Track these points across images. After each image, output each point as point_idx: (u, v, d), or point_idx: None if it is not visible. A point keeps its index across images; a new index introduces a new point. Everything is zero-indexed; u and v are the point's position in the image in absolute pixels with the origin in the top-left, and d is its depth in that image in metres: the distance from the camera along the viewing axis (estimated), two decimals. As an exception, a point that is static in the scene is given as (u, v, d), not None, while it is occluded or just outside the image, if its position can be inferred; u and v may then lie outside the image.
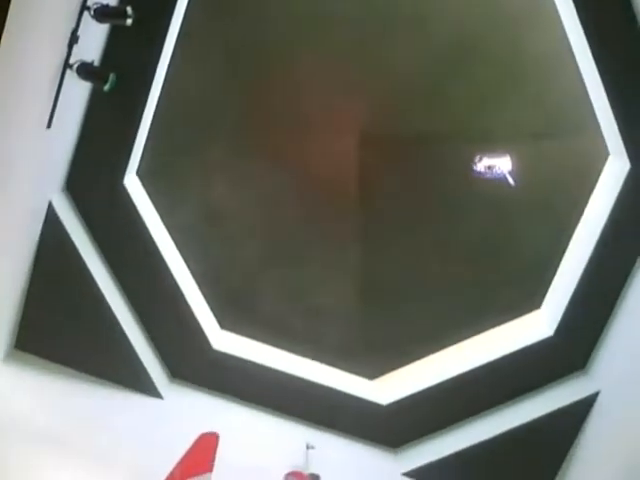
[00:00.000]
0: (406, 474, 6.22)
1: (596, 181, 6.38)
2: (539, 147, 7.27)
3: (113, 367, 6.08)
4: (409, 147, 7.39)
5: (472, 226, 7.34)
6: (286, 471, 5.02)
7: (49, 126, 4.98)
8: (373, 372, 6.90)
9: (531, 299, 6.82)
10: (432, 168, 7.39)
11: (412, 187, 7.43)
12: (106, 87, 5.18)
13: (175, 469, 4.37)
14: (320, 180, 7.56)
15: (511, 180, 7.26)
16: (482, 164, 7.34)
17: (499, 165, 7.28)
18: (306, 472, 5.38)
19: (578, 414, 6.09)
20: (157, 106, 6.44)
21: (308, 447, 5.96)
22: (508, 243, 7.29)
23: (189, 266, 6.69)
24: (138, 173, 6.56)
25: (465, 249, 7.37)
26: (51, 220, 5.72)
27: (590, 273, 6.11)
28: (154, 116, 6.47)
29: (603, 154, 6.30)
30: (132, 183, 6.33)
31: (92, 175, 6.02)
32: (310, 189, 7.61)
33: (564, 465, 6.15)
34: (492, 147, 7.34)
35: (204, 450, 4.66)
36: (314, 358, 6.86)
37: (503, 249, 7.29)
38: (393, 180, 7.41)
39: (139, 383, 6.13)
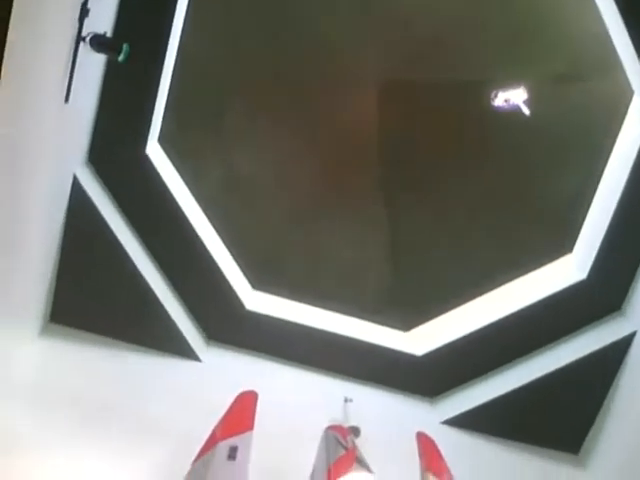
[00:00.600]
0: (444, 422, 6.28)
1: (622, 121, 6.24)
2: (563, 89, 7.13)
3: (149, 333, 6.17)
4: (429, 96, 7.29)
5: (498, 172, 7.25)
6: (325, 425, 5.06)
7: (67, 100, 4.98)
8: (407, 324, 6.91)
9: (562, 244, 6.74)
10: (454, 116, 7.29)
11: (434, 136, 7.34)
12: (120, 58, 5.15)
13: (216, 429, 4.44)
14: (341, 134, 7.51)
15: (526, 110, 7.20)
16: (499, 99, 7.31)
17: (514, 97, 7.25)
18: (345, 425, 5.43)
19: (615, 355, 6.07)
20: (173, 72, 6.41)
21: (346, 400, 6.02)
22: (536, 188, 7.19)
23: (217, 230, 6.71)
24: (159, 141, 6.54)
25: (492, 196, 7.29)
26: (77, 193, 5.77)
27: (621, 213, 6.02)
28: (171, 83, 6.45)
29: (628, 94, 6.16)
30: (154, 151, 6.34)
31: (114, 146, 6.04)
32: (332, 145, 7.57)
33: (603, 407, 6.14)
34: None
35: (244, 409, 4.73)
36: (347, 313, 6.88)
37: (531, 195, 7.20)
38: (414, 130, 7.32)
39: (176, 347, 6.22)
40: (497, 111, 7.34)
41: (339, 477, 4.05)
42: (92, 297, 6.04)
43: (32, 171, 4.89)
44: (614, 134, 6.27)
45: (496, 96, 7.35)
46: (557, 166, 7.11)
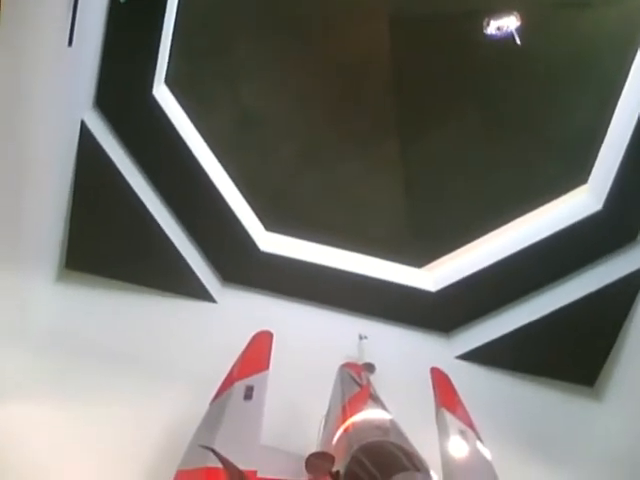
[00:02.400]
0: (459, 357, 6.33)
1: (636, 48, 6.06)
2: (575, 16, 6.93)
3: (164, 277, 6.21)
4: (439, 28, 7.13)
5: (510, 104, 7.13)
6: (340, 363, 5.11)
7: (70, 44, 4.91)
8: (421, 260, 6.91)
9: (577, 174, 6.65)
10: (464, 48, 7.14)
11: (445, 69, 7.20)
12: (122, -1, 5.08)
13: (233, 369, 4.50)
14: (352, 71, 7.39)
15: (517, 39, 7.09)
16: (491, 27, 7.21)
17: (507, 24, 7.16)
18: (360, 362, 5.49)
19: (631, 286, 6.03)
20: (178, 11, 6.28)
21: (361, 338, 6.07)
22: (551, 119, 7.07)
23: (228, 171, 6.68)
24: (167, 82, 6.46)
25: (505, 128, 7.19)
26: (85, 138, 5.73)
27: (636, 143, 5.90)
28: (176, 22, 6.31)
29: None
30: (162, 93, 6.27)
31: (121, 89, 5.97)
32: (343, 82, 7.45)
33: (618, 339, 6.14)
34: (524, 19, 7.08)
35: (259, 349, 4.78)
36: (361, 252, 6.88)
37: (544, 125, 7.09)
38: (425, 64, 7.19)
39: (192, 289, 6.27)
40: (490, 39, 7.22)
41: (353, 414, 4.10)
42: (106, 242, 6.06)
43: (39, 117, 4.84)
44: (628, 62, 6.09)
45: (488, 24, 7.24)
46: (571, 96, 6.98)
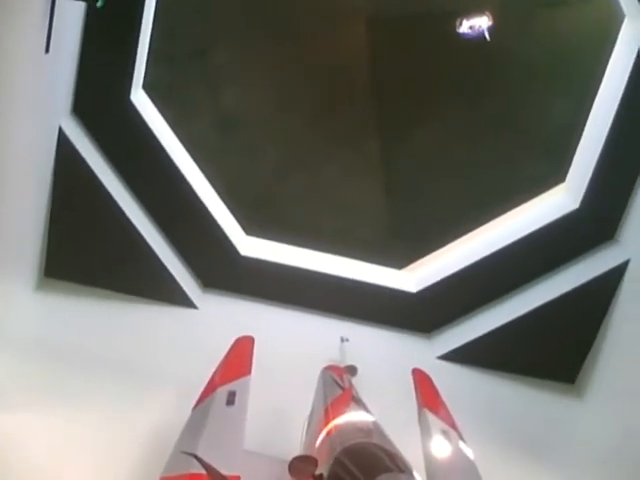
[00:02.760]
0: (440, 357, 6.36)
1: (613, 46, 6.13)
2: (552, 15, 6.99)
3: (145, 283, 6.20)
4: (418, 28, 7.16)
5: (489, 104, 7.17)
6: (323, 365, 5.12)
7: (47, 51, 4.89)
8: (401, 262, 6.94)
9: (555, 173, 6.71)
10: (443, 48, 7.17)
11: (425, 70, 7.23)
12: (99, 4, 5.05)
13: (214, 375, 4.49)
14: (332, 74, 7.40)
15: (488, 36, 7.18)
16: (463, 26, 7.31)
17: (479, 23, 7.27)
18: (342, 364, 5.50)
19: (609, 284, 6.10)
20: (155, 15, 6.26)
21: (342, 340, 6.09)
22: (527, 118, 7.13)
23: (207, 176, 6.67)
24: (144, 87, 6.44)
25: (483, 128, 7.23)
26: (63, 144, 5.71)
27: (613, 141, 5.97)
28: (154, 26, 6.30)
29: (618, 17, 6.02)
30: (139, 98, 6.26)
31: (98, 95, 5.94)
32: (323, 85, 7.46)
33: (598, 336, 6.20)
34: (503, 19, 7.14)
35: (241, 354, 4.78)
36: (342, 254, 6.90)
37: (522, 125, 7.14)
38: (405, 65, 7.22)
39: (172, 296, 6.26)
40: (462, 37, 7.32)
41: (336, 417, 4.10)
42: (85, 250, 6.04)
43: (16, 125, 4.83)
44: (605, 60, 6.15)
45: (461, 24, 7.35)
46: (549, 95, 7.04)
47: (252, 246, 6.71)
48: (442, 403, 4.85)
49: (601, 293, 6.14)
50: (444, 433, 4.43)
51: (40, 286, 6.01)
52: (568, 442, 5.78)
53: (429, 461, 4.14)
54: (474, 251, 6.60)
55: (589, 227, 6.28)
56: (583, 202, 6.25)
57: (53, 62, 5.17)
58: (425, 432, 4.44)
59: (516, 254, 6.39)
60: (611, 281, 6.09)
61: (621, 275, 6.04)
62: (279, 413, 5.10)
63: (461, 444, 4.39)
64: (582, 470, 5.41)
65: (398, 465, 3.35)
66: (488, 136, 7.27)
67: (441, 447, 4.30)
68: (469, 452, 4.34)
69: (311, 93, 7.46)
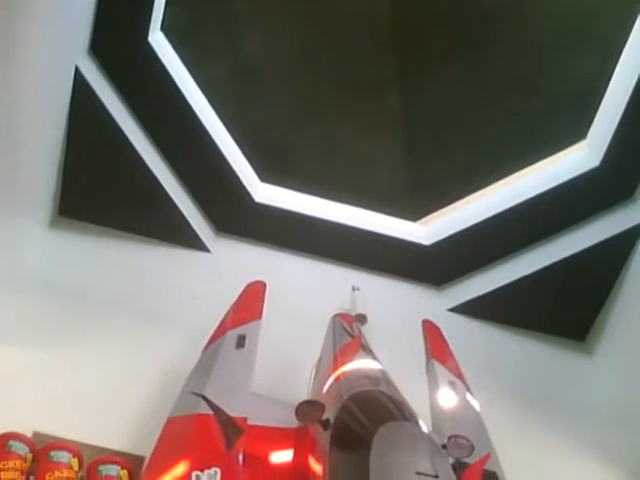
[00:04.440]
0: (451, 310, 6.38)
1: (640, 2, 5.96)
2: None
3: (158, 225, 6.21)
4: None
5: (512, 56, 7.01)
6: (333, 313, 5.14)
7: (65, -12, 4.83)
8: (416, 214, 6.88)
9: (576, 130, 6.59)
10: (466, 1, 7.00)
11: (446, 23, 7.07)
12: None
13: (225, 318, 4.52)
14: (352, 22, 7.25)
15: None
16: None
17: None
18: (353, 313, 5.52)
19: (626, 243, 6.05)
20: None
21: (354, 289, 6.10)
22: (551, 73, 6.97)
23: (224, 121, 6.60)
24: (163, 29, 6.35)
25: (505, 81, 7.09)
26: (79, 84, 5.64)
27: (637, 99, 5.83)
28: (173, -34, 6.21)
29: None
30: (157, 40, 6.16)
31: (116, 35, 5.85)
32: (343, 33, 7.32)
33: (610, 295, 6.18)
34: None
35: (252, 298, 4.80)
36: (356, 205, 6.86)
37: (545, 80, 6.99)
38: (426, 17, 7.05)
39: (185, 239, 6.27)
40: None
41: (344, 364, 4.14)
42: (100, 190, 6.04)
43: (33, 63, 4.77)
44: (632, 17, 5.98)
45: None
46: (572, 52, 6.87)
47: (266, 193, 6.68)
48: (451, 354, 4.87)
49: (616, 252, 6.10)
50: (451, 384, 4.46)
51: (54, 224, 6.02)
52: (575, 398, 5.81)
53: (435, 410, 4.18)
54: (490, 206, 6.54)
55: (609, 186, 6.19)
56: (604, 160, 6.15)
57: (70, 0, 5.09)
58: (432, 382, 4.47)
59: (532, 211, 6.33)
60: (627, 241, 6.04)
61: (637, 236, 5.99)
62: (288, 358, 5.13)
63: (468, 395, 4.43)
64: (590, 425, 5.46)
65: (404, 413, 3.38)
66: (509, 92, 7.13)
67: (448, 397, 4.34)
68: (475, 403, 4.37)
69: (331, 43, 7.33)
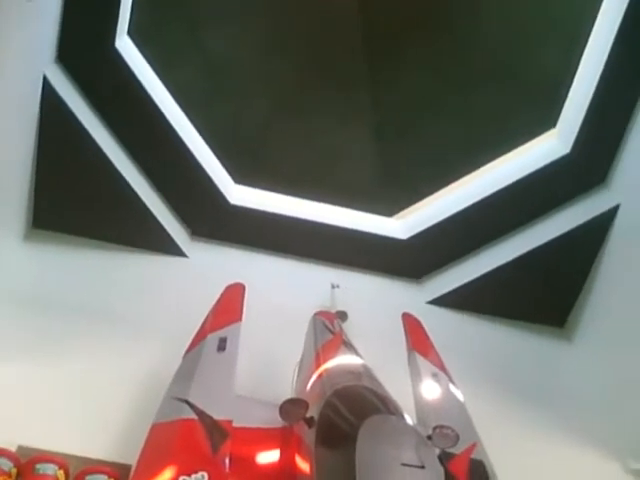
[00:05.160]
0: (430, 302, 6.41)
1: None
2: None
3: (134, 232, 6.17)
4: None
5: (478, 50, 7.05)
6: (313, 311, 5.14)
7: (29, -1, 4.79)
8: (391, 210, 6.91)
9: (546, 118, 6.65)
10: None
11: (416, 13, 7.07)
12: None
13: (205, 321, 4.50)
14: (320, 15, 7.23)
15: None
16: None
17: None
18: (333, 310, 5.53)
19: (599, 229, 6.12)
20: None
21: (333, 287, 6.12)
22: (517, 64, 7.02)
23: (195, 123, 6.58)
24: (130, 33, 6.31)
25: (473, 75, 7.12)
26: (48, 93, 5.60)
27: (604, 85, 5.91)
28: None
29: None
30: (124, 45, 6.13)
31: (83, 42, 5.82)
32: (311, 27, 7.30)
33: (587, 280, 6.26)
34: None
35: (232, 301, 4.79)
36: (332, 202, 6.87)
37: (513, 71, 7.03)
38: (395, 6, 7.05)
39: (162, 245, 6.24)
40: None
41: (327, 361, 4.13)
42: (73, 200, 5.99)
43: (0, 74, 4.74)
44: (597, 4, 6.05)
45: None
46: (539, 41, 6.92)
47: (241, 195, 6.67)
48: (432, 346, 4.90)
49: (591, 238, 6.17)
50: (434, 375, 4.48)
51: (28, 237, 5.97)
52: (557, 384, 5.88)
53: (419, 402, 4.20)
54: (464, 198, 6.58)
55: (580, 172, 6.27)
56: (574, 147, 6.22)
57: (36, 10, 5.06)
58: (415, 374, 4.49)
59: (506, 200, 6.39)
60: (601, 226, 6.11)
61: (611, 220, 6.06)
62: (270, 359, 5.13)
63: (451, 386, 4.45)
64: (571, 411, 5.51)
65: (388, 407, 3.37)
66: (478, 83, 7.16)
67: (431, 389, 4.35)
68: (459, 394, 4.40)
69: (299, 39, 7.31)
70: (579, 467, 5.11)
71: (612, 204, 6.07)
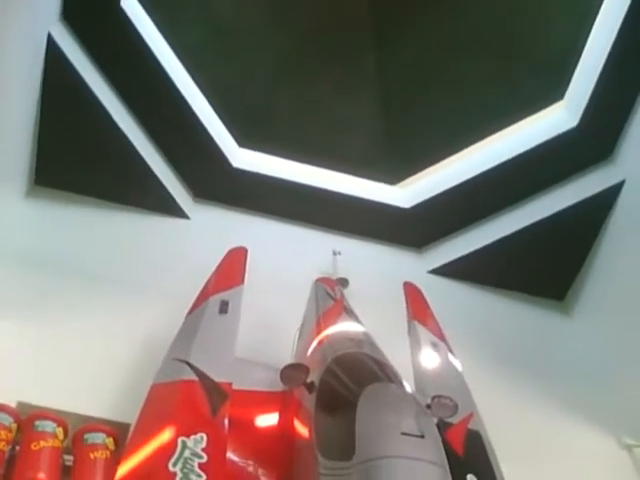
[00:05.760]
0: (431, 272, 6.42)
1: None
2: None
3: (136, 193, 6.16)
4: None
5: (488, 20, 6.95)
6: (315, 278, 5.14)
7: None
8: (395, 178, 6.88)
9: (554, 90, 6.58)
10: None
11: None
12: None
13: (208, 284, 4.49)
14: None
15: None
16: None
17: None
18: (334, 277, 5.53)
19: (604, 203, 6.13)
20: None
21: (335, 253, 6.11)
22: (527, 34, 6.92)
23: (200, 86, 6.51)
24: (135, -9, 6.23)
25: (482, 45, 7.03)
26: (52, 51, 5.53)
27: (613, 60, 5.85)
28: None
29: None
30: (130, 4, 6.02)
31: (88, 1, 5.74)
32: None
33: (589, 255, 6.27)
34: None
35: (234, 264, 4.78)
36: (336, 169, 6.83)
37: (522, 40, 6.94)
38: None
39: (164, 206, 6.24)
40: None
41: (327, 327, 4.14)
42: (76, 158, 5.95)
43: (5, 32, 4.69)
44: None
45: None
46: (550, 12, 6.82)
47: (245, 158, 6.64)
48: (432, 316, 4.91)
49: (595, 213, 6.17)
50: (433, 345, 4.50)
51: (30, 194, 5.94)
52: (555, 356, 5.91)
53: (418, 371, 4.22)
54: (469, 168, 6.55)
55: (586, 146, 6.24)
56: (581, 120, 6.18)
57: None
58: (414, 343, 4.51)
59: (512, 171, 6.36)
60: (606, 201, 6.11)
61: (616, 195, 6.06)
62: (271, 323, 5.14)
63: (449, 355, 4.47)
64: (569, 383, 5.55)
65: (388, 375, 3.39)
66: (487, 53, 7.07)
67: (430, 358, 4.37)
68: (457, 363, 4.42)
69: (307, 6, 7.21)
70: (574, 440, 5.17)
71: (617, 180, 6.06)
